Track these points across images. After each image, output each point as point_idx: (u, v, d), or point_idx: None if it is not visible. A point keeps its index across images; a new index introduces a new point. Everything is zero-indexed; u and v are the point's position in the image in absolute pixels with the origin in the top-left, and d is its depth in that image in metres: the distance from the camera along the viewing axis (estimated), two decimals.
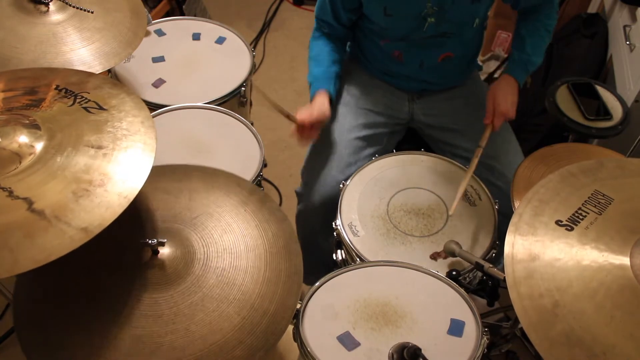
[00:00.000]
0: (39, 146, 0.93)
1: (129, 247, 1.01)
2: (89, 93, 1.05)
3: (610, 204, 0.92)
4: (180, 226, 1.06)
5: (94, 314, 0.94)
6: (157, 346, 0.91)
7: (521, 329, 1.45)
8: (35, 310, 0.95)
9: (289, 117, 1.36)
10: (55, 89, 1.05)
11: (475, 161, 1.39)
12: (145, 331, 0.92)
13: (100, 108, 1.02)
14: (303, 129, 1.38)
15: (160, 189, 1.13)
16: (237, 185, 1.16)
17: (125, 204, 0.87)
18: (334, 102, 1.49)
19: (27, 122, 0.97)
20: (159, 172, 1.18)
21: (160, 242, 0.99)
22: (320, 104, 1.42)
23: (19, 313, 0.95)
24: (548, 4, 1.46)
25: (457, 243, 1.22)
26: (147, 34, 1.74)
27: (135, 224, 1.06)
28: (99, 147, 0.94)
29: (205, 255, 1.02)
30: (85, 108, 1.01)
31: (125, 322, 0.93)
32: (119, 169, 0.92)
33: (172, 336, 0.92)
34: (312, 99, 1.46)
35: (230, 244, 1.04)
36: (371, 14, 1.43)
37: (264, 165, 1.43)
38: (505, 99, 1.44)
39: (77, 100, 1.03)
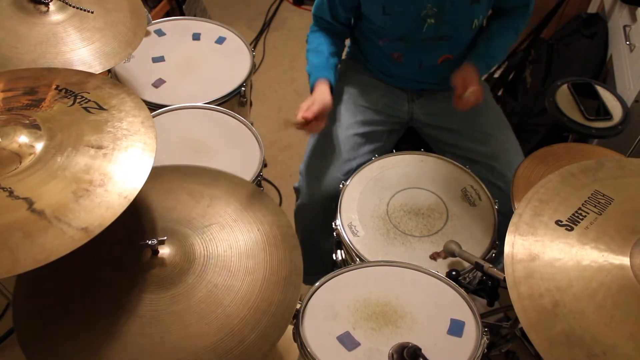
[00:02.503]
0: (39, 146, 0.93)
1: (133, 246, 1.01)
2: (89, 93, 1.05)
3: (610, 204, 0.92)
4: (189, 231, 1.05)
5: (91, 310, 0.94)
6: (126, 346, 0.90)
7: (521, 329, 1.45)
8: (34, 309, 0.95)
9: (287, 124, 1.35)
10: (55, 89, 1.05)
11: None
12: (121, 328, 0.91)
13: (100, 108, 1.02)
14: (308, 123, 1.36)
15: (185, 189, 1.13)
16: (260, 202, 1.13)
17: (125, 204, 0.87)
18: (334, 91, 1.47)
19: (27, 122, 0.97)
20: (190, 172, 1.18)
21: (160, 240, 0.98)
22: (321, 93, 1.40)
23: (19, 313, 0.95)
24: (524, 8, 1.48)
25: (456, 243, 1.22)
26: (147, 34, 1.74)
27: (148, 222, 1.06)
28: (99, 147, 0.94)
29: (203, 267, 1.00)
30: (85, 108, 1.01)
31: (106, 314, 0.92)
32: (119, 169, 0.92)
33: (144, 340, 0.91)
34: (312, 89, 1.44)
35: (230, 262, 1.02)
36: (370, 14, 1.43)
37: (264, 165, 1.43)
38: (473, 78, 1.39)
39: (77, 100, 1.03)
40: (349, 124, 1.53)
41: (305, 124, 1.34)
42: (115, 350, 0.90)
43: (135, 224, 1.06)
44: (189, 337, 0.92)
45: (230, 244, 1.05)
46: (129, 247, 1.01)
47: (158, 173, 1.18)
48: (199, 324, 0.93)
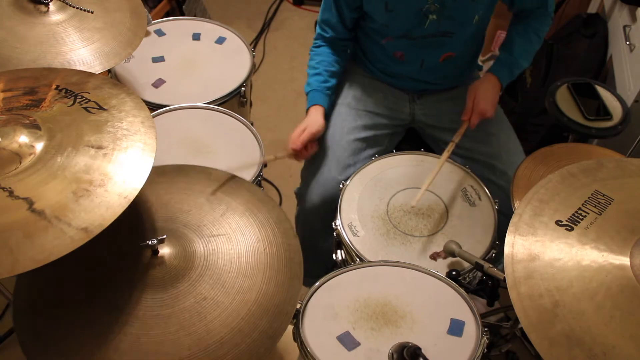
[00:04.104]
0: (39, 146, 0.93)
1: (137, 245, 1.00)
2: (89, 93, 1.05)
3: (610, 204, 0.92)
4: (196, 237, 1.04)
5: (91, 310, 0.94)
6: (104, 343, 0.89)
7: (521, 329, 1.45)
8: (34, 309, 0.95)
9: (276, 158, 1.40)
10: (56, 89, 1.06)
11: (446, 155, 1.40)
12: (120, 327, 0.91)
13: (101, 108, 1.02)
14: (299, 152, 1.41)
15: (205, 193, 1.12)
16: (275, 221, 1.10)
17: (125, 204, 0.87)
18: (328, 115, 1.52)
19: (27, 122, 0.97)
20: (215, 177, 1.17)
21: (160, 239, 0.98)
22: (313, 121, 1.44)
23: (19, 313, 0.94)
24: (542, 9, 1.48)
25: (457, 243, 1.22)
26: (147, 34, 1.74)
27: (158, 221, 1.06)
28: (99, 147, 0.94)
29: (198, 277, 0.98)
30: (85, 108, 1.01)
31: (106, 314, 0.92)
32: (119, 169, 0.92)
33: (121, 337, 0.90)
34: (307, 111, 1.48)
35: (227, 277, 0.99)
36: (372, 11, 1.43)
37: (264, 165, 1.43)
38: (485, 97, 1.44)
39: (77, 100, 1.03)
40: (349, 129, 1.53)
41: (296, 154, 1.40)
42: (113, 348, 0.90)
43: (145, 222, 1.06)
44: (163, 344, 0.90)
45: (232, 259, 1.02)
46: (133, 245, 1.01)
47: (183, 172, 1.18)
48: (178, 334, 0.91)
